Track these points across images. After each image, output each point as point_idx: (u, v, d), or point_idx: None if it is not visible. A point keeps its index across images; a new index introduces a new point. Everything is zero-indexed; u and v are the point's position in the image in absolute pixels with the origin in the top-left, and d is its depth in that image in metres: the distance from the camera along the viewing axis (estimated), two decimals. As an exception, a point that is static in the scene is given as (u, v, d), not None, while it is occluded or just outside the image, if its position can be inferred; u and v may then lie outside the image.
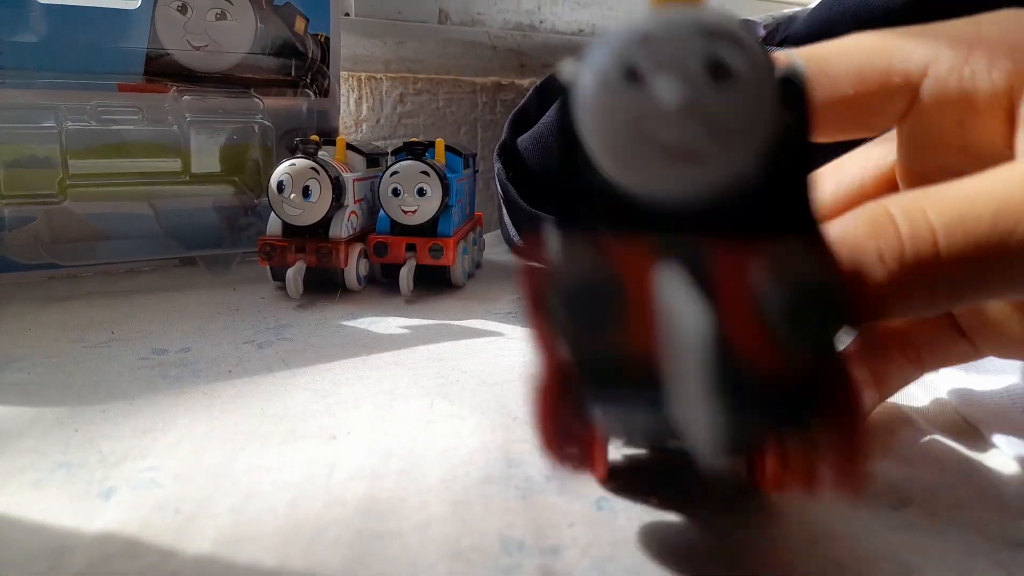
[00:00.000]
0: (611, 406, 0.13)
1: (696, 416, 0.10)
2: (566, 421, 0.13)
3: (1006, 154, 0.16)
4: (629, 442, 0.19)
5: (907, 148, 0.19)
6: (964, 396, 0.26)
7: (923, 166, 0.19)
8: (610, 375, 0.12)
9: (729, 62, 0.11)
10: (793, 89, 0.12)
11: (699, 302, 0.10)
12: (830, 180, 0.22)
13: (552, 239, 0.12)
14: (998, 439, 0.22)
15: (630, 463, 0.19)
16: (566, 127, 0.12)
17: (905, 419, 0.23)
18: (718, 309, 0.10)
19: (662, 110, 0.11)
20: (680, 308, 0.10)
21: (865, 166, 0.21)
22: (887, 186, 0.21)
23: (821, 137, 0.18)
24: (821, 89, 0.18)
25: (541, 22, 0.69)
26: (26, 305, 0.34)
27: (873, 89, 0.18)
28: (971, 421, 0.24)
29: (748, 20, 0.47)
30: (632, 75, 0.11)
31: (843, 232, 0.14)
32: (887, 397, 0.22)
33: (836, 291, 0.11)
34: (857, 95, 0.18)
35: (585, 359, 0.12)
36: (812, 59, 0.18)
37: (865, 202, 0.18)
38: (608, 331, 0.11)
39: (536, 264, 0.12)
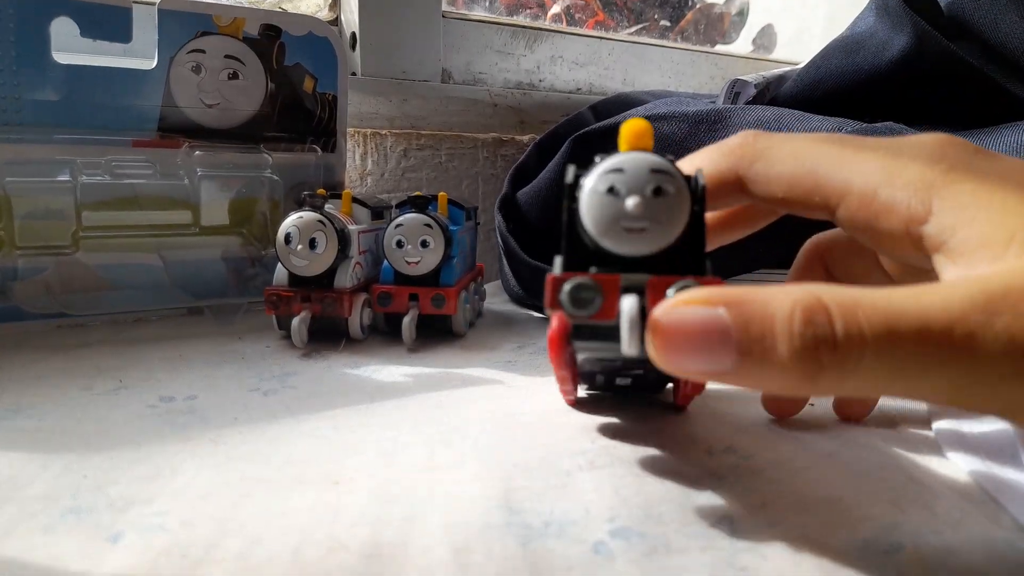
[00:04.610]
0: (588, 351, 0.22)
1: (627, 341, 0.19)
2: (565, 363, 0.22)
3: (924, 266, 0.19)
4: (593, 385, 0.29)
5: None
6: (951, 437, 0.26)
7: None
8: (590, 331, 0.21)
9: (664, 188, 0.20)
10: (701, 191, 0.21)
11: (635, 301, 0.19)
12: None
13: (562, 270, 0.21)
14: (988, 483, 0.22)
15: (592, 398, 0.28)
16: (571, 215, 0.21)
17: (896, 464, 0.24)
18: (645, 303, 0.19)
19: (628, 211, 0.20)
20: (626, 302, 0.19)
21: None
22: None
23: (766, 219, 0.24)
24: (761, 187, 0.22)
25: (540, 81, 0.71)
26: (36, 353, 0.35)
27: (798, 199, 0.21)
28: (959, 463, 0.24)
29: (740, 79, 0.49)
30: (612, 190, 0.20)
31: (780, 312, 0.16)
32: None
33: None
34: (785, 199, 0.22)
35: (579, 324, 0.21)
36: (762, 158, 0.22)
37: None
38: (591, 311, 0.20)
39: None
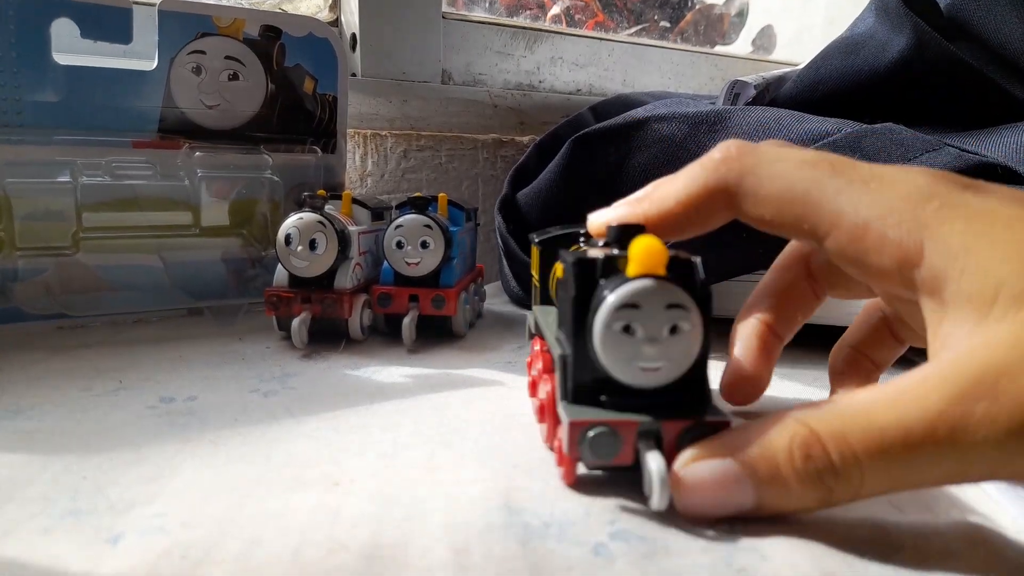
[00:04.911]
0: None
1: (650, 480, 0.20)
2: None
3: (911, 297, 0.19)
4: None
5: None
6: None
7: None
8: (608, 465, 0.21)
9: (680, 326, 0.20)
10: (707, 298, 0.20)
11: (662, 462, 0.19)
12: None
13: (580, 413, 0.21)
14: (988, 485, 0.22)
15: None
16: (579, 348, 0.21)
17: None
18: (662, 450, 0.20)
19: (644, 351, 0.20)
20: (653, 463, 0.19)
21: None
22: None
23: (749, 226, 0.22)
24: (749, 205, 0.21)
25: (540, 82, 0.71)
26: (36, 354, 0.35)
27: (786, 223, 0.21)
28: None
29: (740, 80, 0.49)
30: (628, 329, 0.19)
31: (781, 453, 0.18)
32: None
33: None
34: (772, 222, 0.21)
35: (599, 462, 0.21)
36: (751, 174, 0.21)
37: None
38: (610, 458, 0.20)
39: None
